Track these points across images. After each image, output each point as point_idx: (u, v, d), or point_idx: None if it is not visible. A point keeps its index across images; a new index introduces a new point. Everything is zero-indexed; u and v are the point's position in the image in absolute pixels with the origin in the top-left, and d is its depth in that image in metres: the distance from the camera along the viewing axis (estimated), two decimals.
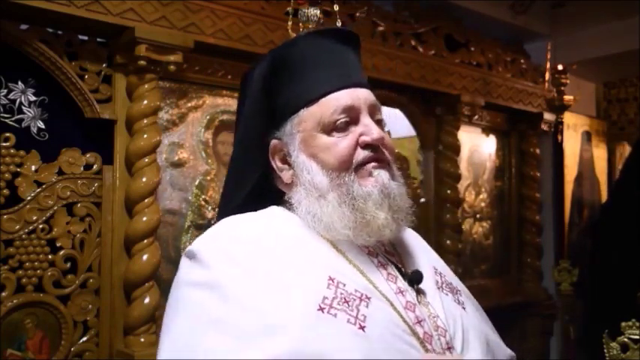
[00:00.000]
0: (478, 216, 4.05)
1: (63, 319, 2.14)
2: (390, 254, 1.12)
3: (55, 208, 2.16)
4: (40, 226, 2.12)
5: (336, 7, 1.95)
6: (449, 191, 3.62)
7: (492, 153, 4.18)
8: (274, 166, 1.13)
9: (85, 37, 2.26)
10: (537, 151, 4.32)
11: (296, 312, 0.91)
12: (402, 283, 1.06)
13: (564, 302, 3.63)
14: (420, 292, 1.07)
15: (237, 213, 1.11)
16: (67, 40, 2.19)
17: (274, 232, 1.05)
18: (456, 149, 3.65)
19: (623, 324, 1.77)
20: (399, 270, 1.08)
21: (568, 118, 4.07)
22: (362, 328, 0.92)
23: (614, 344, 1.77)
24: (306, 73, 1.11)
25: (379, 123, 1.12)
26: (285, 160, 1.12)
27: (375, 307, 0.96)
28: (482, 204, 4.09)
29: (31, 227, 2.10)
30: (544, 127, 4.24)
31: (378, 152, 1.08)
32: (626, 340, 1.75)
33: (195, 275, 0.99)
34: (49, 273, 2.13)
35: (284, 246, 1.02)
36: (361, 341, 0.91)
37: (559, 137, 3.73)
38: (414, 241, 1.24)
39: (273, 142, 1.13)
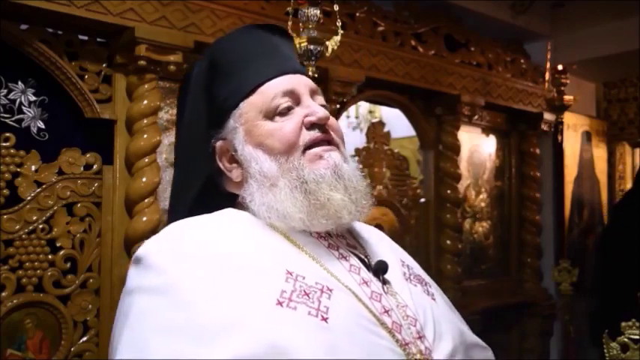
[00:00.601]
0: (478, 216, 4.05)
1: (63, 319, 2.14)
2: (352, 247, 1.08)
3: (55, 208, 2.16)
4: (40, 226, 2.12)
5: (336, 7, 1.95)
6: (449, 191, 3.62)
7: (492, 153, 4.18)
8: (222, 167, 1.09)
9: (85, 37, 2.26)
10: (537, 151, 4.32)
11: (253, 308, 0.87)
12: (366, 274, 1.02)
13: (564, 302, 3.63)
14: (386, 283, 1.03)
15: (188, 213, 1.06)
16: (67, 40, 2.19)
17: (227, 230, 1.01)
18: (456, 149, 3.65)
19: (623, 324, 1.77)
20: (363, 262, 1.05)
21: (568, 118, 4.08)
22: (324, 319, 0.89)
23: (614, 344, 1.77)
24: (243, 67, 1.09)
25: (323, 107, 1.09)
26: (232, 159, 1.09)
27: (337, 299, 0.92)
28: (482, 204, 4.09)
29: (31, 227, 2.10)
30: (544, 127, 4.24)
31: (326, 132, 1.06)
32: (626, 340, 1.75)
33: (144, 280, 0.93)
34: (49, 273, 2.13)
35: (238, 243, 0.98)
36: (324, 333, 0.87)
37: (559, 137, 3.73)
38: (380, 236, 1.21)
39: (218, 143, 1.09)
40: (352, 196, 1.02)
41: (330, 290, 0.93)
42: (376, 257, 1.08)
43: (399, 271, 1.09)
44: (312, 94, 1.10)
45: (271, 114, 1.05)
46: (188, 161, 1.15)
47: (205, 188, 1.12)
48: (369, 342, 0.90)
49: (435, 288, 1.17)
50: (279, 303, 0.88)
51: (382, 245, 1.16)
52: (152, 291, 0.91)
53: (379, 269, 1.03)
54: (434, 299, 1.10)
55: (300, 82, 1.09)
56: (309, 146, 1.04)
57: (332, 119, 1.09)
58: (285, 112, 1.05)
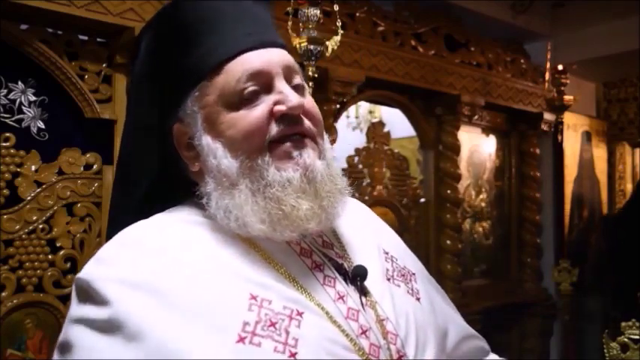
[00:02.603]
0: (478, 216, 4.05)
1: (63, 319, 2.14)
2: (329, 247, 0.96)
3: (55, 208, 2.16)
4: (40, 226, 2.12)
5: (336, 7, 1.95)
6: (449, 191, 3.62)
7: (492, 153, 4.19)
8: (182, 155, 0.94)
9: (85, 37, 2.26)
10: (537, 151, 4.33)
11: (211, 348, 0.76)
12: (342, 286, 0.90)
13: (564, 302, 3.63)
14: (365, 292, 0.91)
15: (136, 218, 0.92)
16: (67, 40, 2.19)
17: (183, 242, 0.87)
18: (456, 149, 3.65)
19: (623, 324, 1.78)
20: (339, 269, 0.93)
21: (568, 118, 4.08)
22: (293, 355, 0.78)
23: (614, 344, 1.77)
24: (205, 35, 0.91)
25: (299, 88, 0.92)
26: (190, 146, 0.92)
27: (308, 326, 0.81)
28: (483, 204, 4.09)
29: (31, 227, 2.10)
30: (544, 127, 4.24)
31: (298, 124, 0.89)
32: (626, 340, 1.76)
33: (89, 313, 0.81)
34: (49, 273, 2.13)
35: (195, 262, 0.85)
36: None
37: (559, 137, 3.74)
38: (361, 219, 1.09)
39: (175, 126, 0.93)
40: (324, 203, 0.88)
41: (301, 314, 0.82)
42: (355, 256, 0.97)
43: (381, 269, 0.98)
44: (288, 73, 0.92)
45: (235, 100, 0.88)
46: (137, 150, 0.99)
47: (159, 176, 0.97)
48: None
49: (421, 279, 1.07)
50: (241, 339, 0.77)
51: (364, 235, 1.04)
52: (98, 327, 0.80)
53: (356, 277, 0.91)
54: (418, 298, 1.00)
55: (273, 60, 0.90)
56: (278, 140, 0.88)
57: (308, 103, 0.92)
58: (251, 98, 0.88)
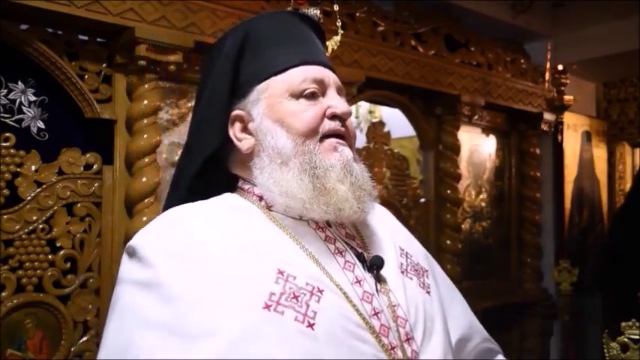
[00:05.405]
0: (478, 216, 4.05)
1: (63, 319, 2.14)
2: (351, 238, 1.08)
3: (55, 208, 2.16)
4: (40, 226, 2.12)
5: (336, 7, 1.95)
6: (449, 191, 3.62)
7: (492, 153, 4.18)
8: (232, 135, 1.09)
9: (85, 37, 2.26)
10: (537, 151, 4.32)
11: (240, 311, 0.87)
12: (360, 272, 1.02)
13: (564, 302, 3.63)
14: (380, 280, 1.03)
15: (187, 195, 1.08)
16: (67, 40, 2.19)
17: (223, 222, 1.01)
18: (456, 149, 3.65)
19: (623, 324, 1.78)
20: (359, 257, 1.05)
21: (568, 118, 4.08)
22: (310, 325, 0.89)
23: (614, 344, 1.77)
24: (278, 46, 1.10)
25: None
26: (245, 130, 1.09)
27: (326, 302, 0.93)
28: (483, 204, 4.09)
29: (31, 227, 2.10)
30: (544, 127, 4.24)
31: (345, 127, 1.08)
32: (626, 340, 1.76)
33: (134, 273, 0.95)
34: (49, 273, 2.13)
35: (232, 238, 0.98)
36: (307, 340, 0.88)
37: (559, 137, 3.74)
38: (381, 220, 1.20)
39: (235, 112, 1.10)
40: (356, 193, 1.02)
41: (321, 292, 0.93)
42: (374, 249, 1.09)
43: (396, 263, 1.09)
44: (339, 90, 1.11)
45: (297, 95, 1.06)
46: (200, 132, 1.13)
47: (207, 166, 1.10)
48: (352, 347, 0.91)
49: (433, 276, 1.17)
50: (267, 306, 0.89)
51: (382, 232, 1.15)
52: (140, 284, 0.92)
53: (374, 266, 1.03)
54: (428, 292, 1.10)
55: (330, 76, 1.10)
56: (327, 135, 1.05)
57: (350, 121, 1.11)
58: (311, 97, 1.06)
